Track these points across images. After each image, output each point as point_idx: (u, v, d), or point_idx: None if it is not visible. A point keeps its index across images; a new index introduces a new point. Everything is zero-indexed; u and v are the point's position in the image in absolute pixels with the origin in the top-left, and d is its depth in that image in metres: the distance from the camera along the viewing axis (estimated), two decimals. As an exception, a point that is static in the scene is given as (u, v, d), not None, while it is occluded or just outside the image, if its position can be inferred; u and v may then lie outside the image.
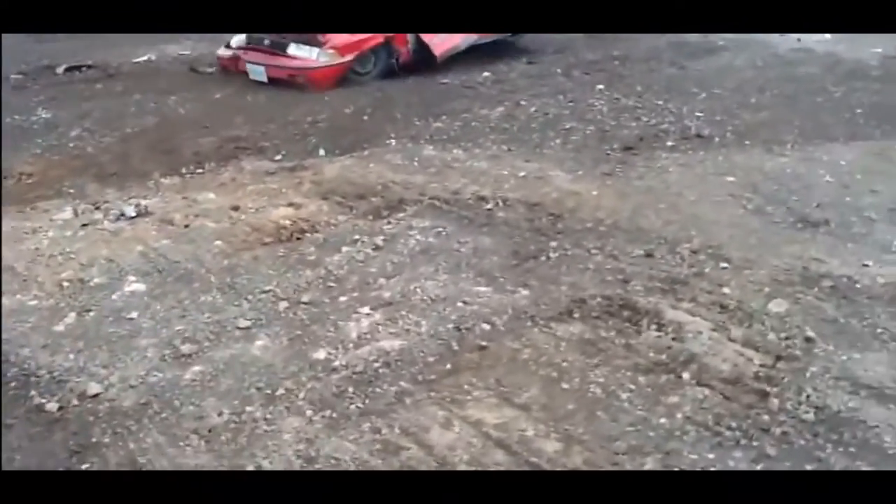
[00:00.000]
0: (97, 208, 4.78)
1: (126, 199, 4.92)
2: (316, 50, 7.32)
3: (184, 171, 5.40)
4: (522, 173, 5.51)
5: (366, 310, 3.69)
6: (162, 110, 6.81)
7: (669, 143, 6.23)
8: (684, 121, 6.79)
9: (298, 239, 4.45)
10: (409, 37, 7.92)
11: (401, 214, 4.78)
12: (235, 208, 4.82)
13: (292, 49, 7.36)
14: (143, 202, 4.88)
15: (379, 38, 7.73)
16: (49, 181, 5.22)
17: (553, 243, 4.41)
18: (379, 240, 4.41)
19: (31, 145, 5.87)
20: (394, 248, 4.32)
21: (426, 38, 7.94)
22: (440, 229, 4.57)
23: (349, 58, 7.46)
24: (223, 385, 3.16)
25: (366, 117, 6.74)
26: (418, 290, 3.87)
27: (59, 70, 8.11)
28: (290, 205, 4.90)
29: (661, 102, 7.39)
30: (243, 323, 3.56)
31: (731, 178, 5.49)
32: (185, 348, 3.35)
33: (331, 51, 7.39)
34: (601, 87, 7.95)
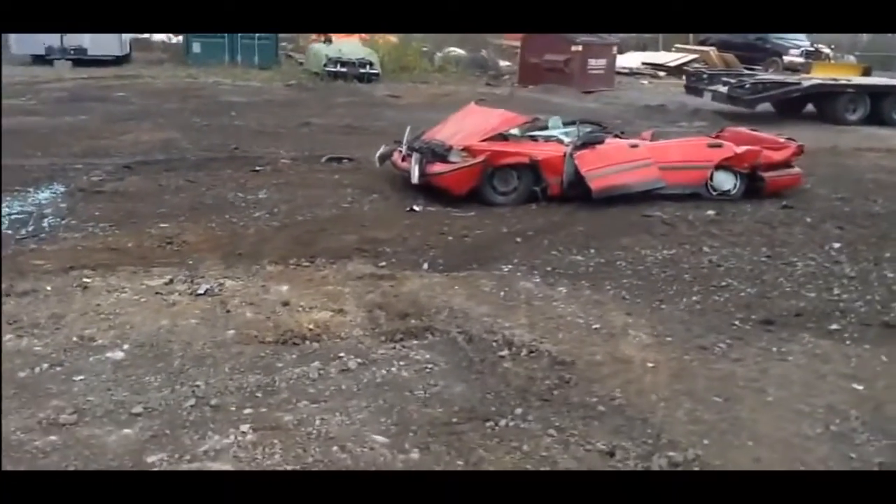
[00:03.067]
0: (190, 282, 5.34)
1: (218, 278, 5.42)
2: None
3: (292, 262, 5.76)
4: (598, 326, 4.83)
5: (246, 427, 3.57)
6: (353, 205, 7.34)
7: (832, 327, 4.96)
8: (892, 303, 5.34)
9: (295, 345, 4.45)
10: (567, 168, 7.43)
11: (414, 342, 4.51)
12: (286, 304, 5.00)
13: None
14: (228, 283, 5.33)
15: (523, 157, 7.38)
16: (189, 252, 5.94)
17: (519, 410, 3.80)
18: (355, 362, 4.22)
19: (219, 219, 6.76)
20: (358, 376, 4.09)
21: (583, 170, 7.37)
22: (429, 367, 4.22)
23: (480, 159, 7.21)
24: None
25: (519, 239, 6.48)
26: (318, 422, 3.63)
27: (323, 159, 9.22)
28: (336, 311, 4.93)
29: (892, 275, 5.92)
30: (137, 409, 3.70)
31: (858, 387, 4.18)
32: (63, 418, 3.59)
33: (462, 152, 7.26)
34: (837, 245, 6.67)
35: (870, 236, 7.01)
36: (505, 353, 4.39)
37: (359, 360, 4.25)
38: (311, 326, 4.69)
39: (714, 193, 8.01)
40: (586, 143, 7.62)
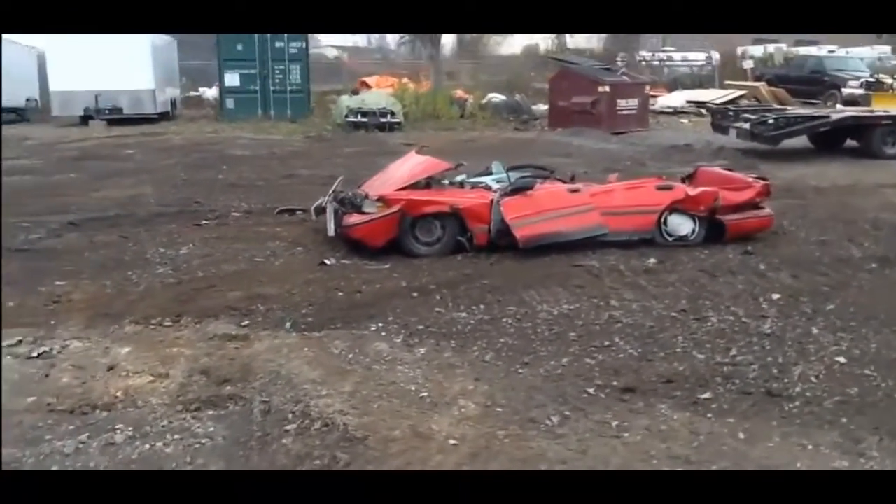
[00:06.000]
0: (35, 343, 5.12)
1: (68, 339, 5.18)
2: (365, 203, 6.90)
3: (154, 322, 5.48)
4: (427, 394, 4.33)
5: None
6: (267, 259, 7.02)
7: (703, 396, 4.38)
8: (795, 366, 4.64)
9: (84, 414, 4.13)
10: (494, 216, 6.89)
11: (209, 412, 4.13)
12: (111, 368, 4.71)
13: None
14: (74, 344, 5.09)
15: (443, 205, 6.89)
16: (65, 311, 5.73)
17: None
18: (124, 436, 3.86)
19: (119, 276, 6.56)
20: (116, 452, 3.72)
21: (509, 217, 6.82)
22: (202, 442, 3.82)
23: (395, 209, 6.78)
24: None
25: (415, 294, 6.02)
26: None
27: (276, 211, 9.00)
28: (159, 376, 4.60)
29: (818, 331, 5.19)
30: None
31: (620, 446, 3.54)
32: None
33: (377, 203, 6.84)
34: (776, 297, 6.03)
35: (823, 285, 6.23)
36: (293, 427, 3.95)
37: (130, 433, 3.90)
38: (117, 393, 4.38)
39: (670, 239, 7.34)
40: (516, 189, 7.13)
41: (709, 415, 4.09)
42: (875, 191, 10.63)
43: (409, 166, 7.50)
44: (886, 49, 43.62)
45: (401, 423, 3.99)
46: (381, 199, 6.93)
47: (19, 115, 20.90)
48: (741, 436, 3.86)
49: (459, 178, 7.77)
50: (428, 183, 7.28)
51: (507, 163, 8.28)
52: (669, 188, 7.41)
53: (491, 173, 7.89)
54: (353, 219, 6.94)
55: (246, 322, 5.48)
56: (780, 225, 8.20)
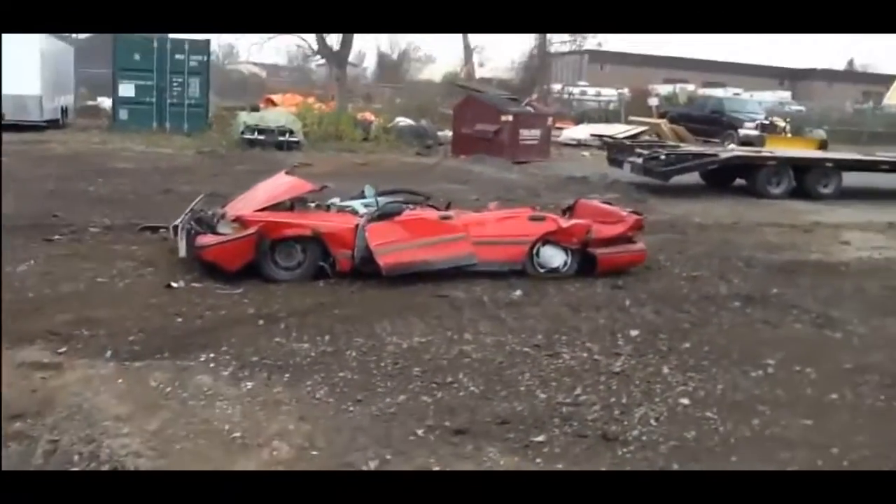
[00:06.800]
0: None
1: None
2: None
3: (-38, 347, 4.96)
4: (241, 434, 3.96)
5: None
6: (111, 280, 6.53)
7: (537, 439, 4.11)
8: (637, 407, 4.47)
9: None
10: (359, 241, 6.64)
11: (-15, 453, 3.68)
12: None
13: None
14: None
15: (305, 229, 6.61)
16: None
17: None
18: None
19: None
20: None
21: (373, 244, 6.58)
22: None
23: (252, 231, 6.44)
24: None
25: (261, 322, 5.66)
26: None
27: (138, 228, 8.48)
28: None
29: (668, 370, 5.06)
30: None
31: None
32: None
33: (233, 223, 6.50)
34: (634, 333, 5.85)
35: (684, 322, 6.15)
36: (75, 470, 3.53)
37: None
38: None
39: (542, 271, 7.18)
40: (383, 215, 6.85)
41: (538, 459, 3.86)
42: (755, 229, 10.81)
43: (272, 187, 7.15)
44: (787, 94, 45.81)
45: (200, 468, 3.62)
46: (237, 219, 6.54)
47: None
48: (566, 484, 3.64)
49: (331, 200, 7.46)
50: (292, 205, 6.93)
51: (397, 187, 8.05)
52: (542, 219, 7.27)
53: (364, 197, 7.60)
54: (206, 240, 6.52)
55: (63, 349, 5.00)
56: (655, 260, 8.18)
